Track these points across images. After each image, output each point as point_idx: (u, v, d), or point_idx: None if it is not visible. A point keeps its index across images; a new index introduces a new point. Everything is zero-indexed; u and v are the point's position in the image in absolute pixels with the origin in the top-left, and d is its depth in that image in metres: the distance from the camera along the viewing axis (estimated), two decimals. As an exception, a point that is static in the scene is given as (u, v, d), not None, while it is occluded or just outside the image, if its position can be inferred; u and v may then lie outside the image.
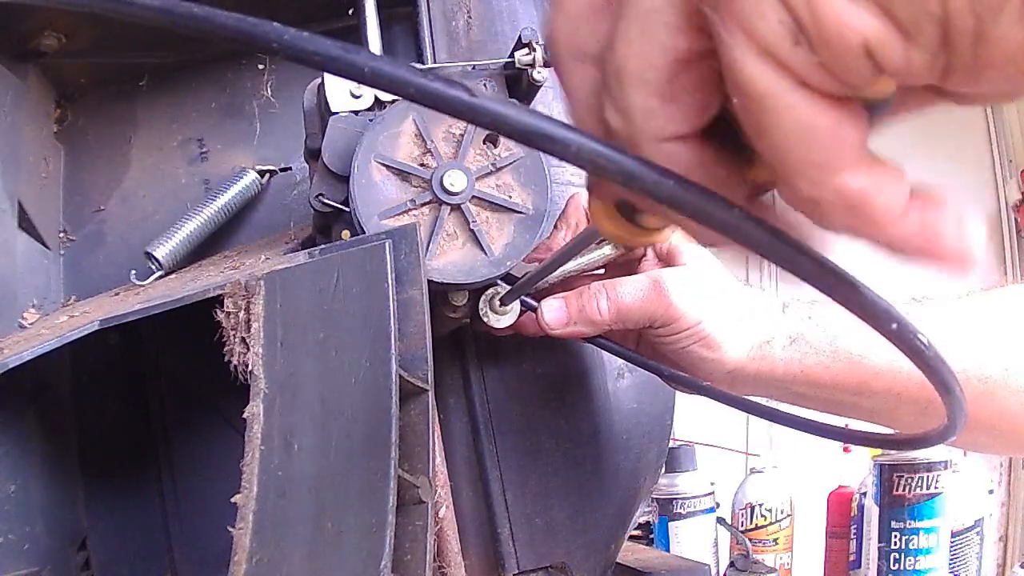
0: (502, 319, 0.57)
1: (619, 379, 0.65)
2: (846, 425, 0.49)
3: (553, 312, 0.54)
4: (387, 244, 0.49)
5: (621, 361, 0.64)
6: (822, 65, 0.19)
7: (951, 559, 1.14)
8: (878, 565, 1.14)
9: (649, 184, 0.20)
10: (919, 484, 1.10)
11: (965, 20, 0.18)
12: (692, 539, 1.19)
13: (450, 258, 0.53)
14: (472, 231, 0.53)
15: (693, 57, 0.21)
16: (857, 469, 1.29)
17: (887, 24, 0.19)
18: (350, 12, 0.66)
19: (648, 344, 0.57)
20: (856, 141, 0.21)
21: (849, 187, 0.21)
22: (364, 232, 0.52)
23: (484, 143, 0.54)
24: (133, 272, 0.71)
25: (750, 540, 1.19)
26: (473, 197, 0.53)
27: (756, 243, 0.21)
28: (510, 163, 0.54)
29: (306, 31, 0.19)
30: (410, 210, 0.53)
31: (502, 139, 0.55)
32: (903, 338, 0.22)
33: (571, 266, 0.55)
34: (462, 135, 0.54)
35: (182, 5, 0.19)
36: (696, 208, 0.20)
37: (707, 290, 0.54)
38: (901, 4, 0.18)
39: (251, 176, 0.77)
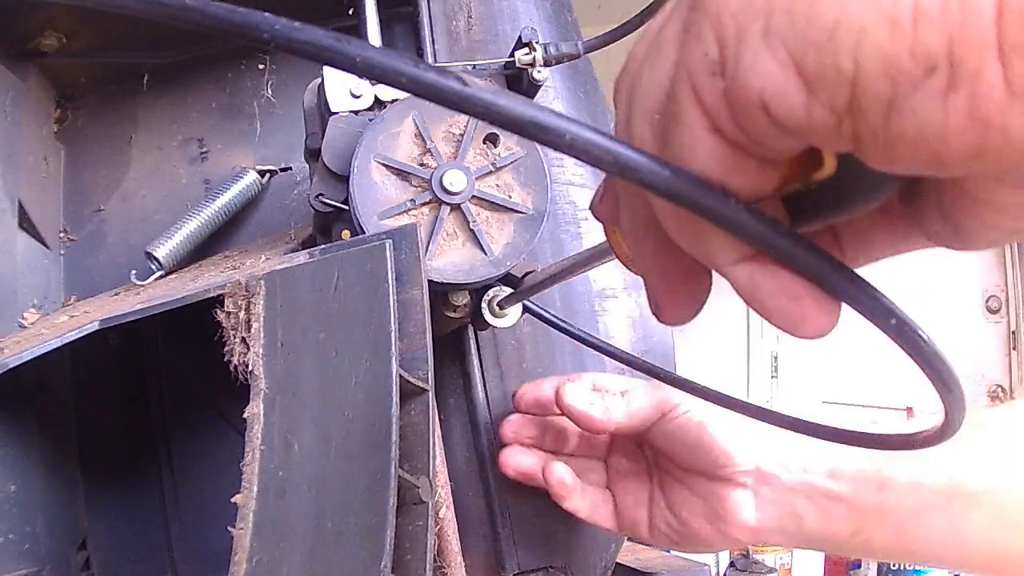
0: (502, 321, 0.57)
1: (619, 379, 0.65)
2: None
3: None
4: (387, 244, 0.49)
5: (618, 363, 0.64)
6: (728, 105, 0.20)
7: (951, 559, 1.14)
8: (878, 565, 1.14)
9: (644, 174, 0.20)
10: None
11: (878, 85, 0.17)
12: (692, 539, 1.19)
13: (450, 258, 0.53)
14: (472, 231, 0.53)
15: None
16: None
17: (790, 75, 0.18)
18: (350, 12, 0.66)
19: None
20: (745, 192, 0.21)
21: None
22: (364, 232, 0.52)
23: (484, 142, 0.54)
24: (133, 272, 0.71)
25: (750, 540, 1.19)
26: (473, 197, 0.53)
27: (752, 234, 0.21)
28: (510, 163, 0.54)
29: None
30: (410, 210, 0.53)
31: (502, 139, 0.55)
32: (903, 334, 0.21)
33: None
34: (462, 135, 0.54)
35: None
36: (692, 199, 0.20)
37: None
38: (811, 54, 0.18)
39: (251, 176, 0.77)
